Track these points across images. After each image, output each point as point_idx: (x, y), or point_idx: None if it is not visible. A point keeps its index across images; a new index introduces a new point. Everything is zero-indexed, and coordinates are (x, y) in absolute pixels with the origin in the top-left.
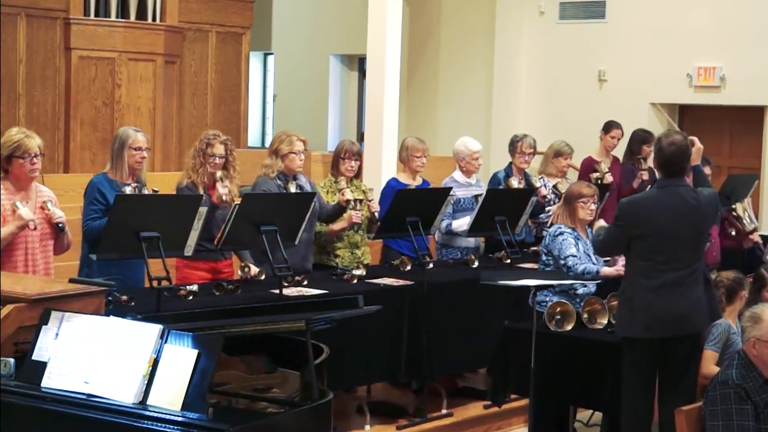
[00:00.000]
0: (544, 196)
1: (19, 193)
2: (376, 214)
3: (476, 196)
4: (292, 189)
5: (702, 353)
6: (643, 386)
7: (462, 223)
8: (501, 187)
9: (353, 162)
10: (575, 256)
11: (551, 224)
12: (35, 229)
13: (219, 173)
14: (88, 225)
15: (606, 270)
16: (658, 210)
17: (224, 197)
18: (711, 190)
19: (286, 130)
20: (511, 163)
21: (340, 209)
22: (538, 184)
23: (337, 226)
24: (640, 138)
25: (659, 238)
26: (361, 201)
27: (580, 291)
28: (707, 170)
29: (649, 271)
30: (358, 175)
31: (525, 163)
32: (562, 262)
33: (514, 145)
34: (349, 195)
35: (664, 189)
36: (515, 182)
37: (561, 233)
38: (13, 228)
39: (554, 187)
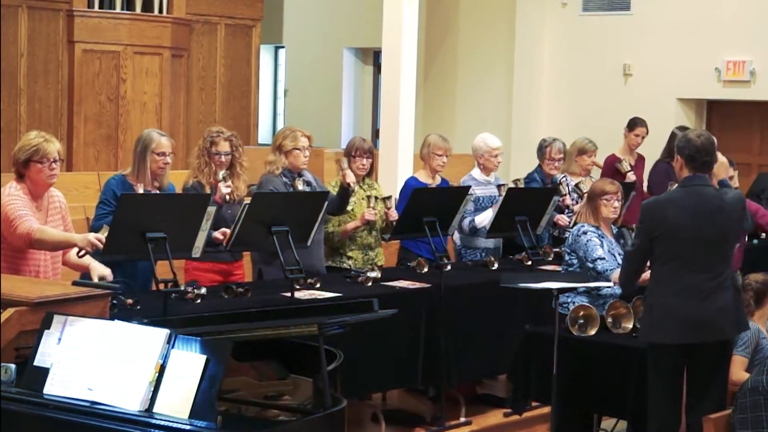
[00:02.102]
0: (568, 205)
1: (35, 201)
2: (395, 222)
3: (500, 186)
4: (300, 186)
5: (731, 361)
6: (668, 395)
7: (485, 217)
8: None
9: (365, 160)
10: (604, 258)
11: (574, 223)
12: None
13: (221, 173)
14: (94, 225)
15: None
16: (678, 209)
17: (227, 196)
18: (737, 193)
19: (295, 125)
20: (540, 165)
21: (343, 192)
22: (564, 190)
23: (350, 225)
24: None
25: (679, 239)
26: (376, 198)
27: (604, 291)
28: (731, 172)
29: (671, 274)
30: (370, 173)
31: (555, 169)
32: (591, 265)
33: (542, 151)
34: (350, 177)
35: (687, 188)
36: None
37: (585, 232)
38: (81, 242)
39: (576, 186)
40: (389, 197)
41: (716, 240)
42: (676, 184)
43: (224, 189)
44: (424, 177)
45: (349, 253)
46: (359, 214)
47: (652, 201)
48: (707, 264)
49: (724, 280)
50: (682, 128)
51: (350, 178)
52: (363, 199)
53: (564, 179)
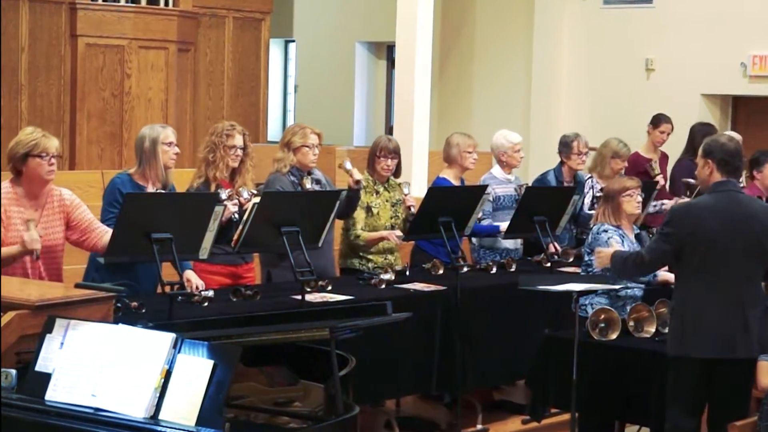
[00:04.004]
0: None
1: (31, 201)
2: (412, 208)
3: (519, 186)
4: (308, 185)
5: (757, 367)
6: (688, 409)
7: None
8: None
9: (390, 160)
10: None
11: (594, 224)
12: (38, 258)
13: (224, 192)
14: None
15: (665, 275)
16: (711, 216)
17: (235, 215)
18: None
19: (306, 122)
20: (560, 163)
21: (353, 194)
22: (587, 188)
23: (375, 235)
24: (702, 131)
25: (713, 249)
26: (397, 202)
27: (623, 293)
28: None
29: (703, 284)
30: (396, 174)
31: (581, 164)
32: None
33: (568, 146)
34: (357, 175)
35: (720, 194)
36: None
37: (605, 230)
38: (15, 251)
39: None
40: (407, 183)
41: (750, 249)
42: (690, 180)
43: (232, 208)
44: (453, 178)
45: (369, 256)
46: (383, 217)
47: (686, 206)
48: (740, 276)
49: (756, 294)
50: (703, 124)
51: (357, 175)
52: (387, 201)
53: (591, 180)
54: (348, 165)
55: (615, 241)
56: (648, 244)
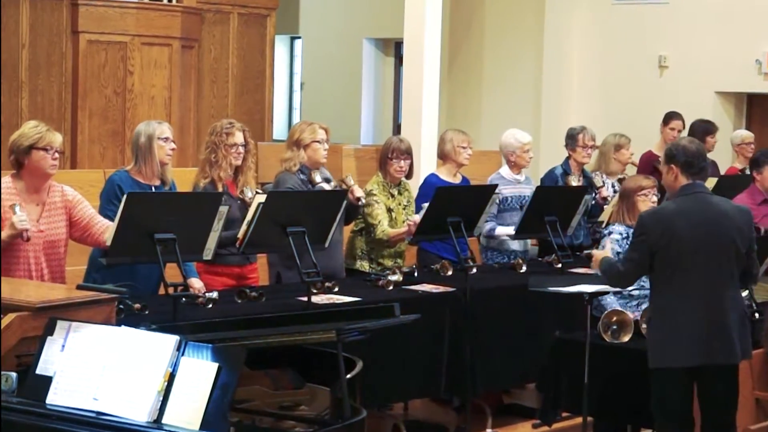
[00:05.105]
0: (605, 198)
1: (32, 196)
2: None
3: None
4: (318, 178)
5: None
6: (680, 422)
7: (507, 230)
8: (560, 185)
9: (402, 162)
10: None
11: (607, 223)
12: (28, 240)
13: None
14: None
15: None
16: (681, 220)
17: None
18: (744, 206)
19: (312, 120)
20: (568, 158)
21: (352, 209)
22: (600, 183)
23: (398, 231)
24: (703, 129)
25: (685, 253)
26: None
27: (636, 293)
28: None
29: (679, 292)
30: (409, 175)
31: (587, 157)
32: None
33: (574, 138)
34: (358, 192)
35: (687, 197)
36: (575, 181)
37: (609, 233)
38: (5, 236)
39: (619, 181)
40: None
41: (724, 251)
42: None
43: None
44: (446, 175)
45: (380, 260)
46: (398, 220)
47: (653, 212)
48: (716, 279)
49: (735, 298)
50: (703, 121)
51: (358, 192)
52: (399, 204)
53: (599, 175)
54: (350, 180)
55: (609, 240)
56: (623, 254)
